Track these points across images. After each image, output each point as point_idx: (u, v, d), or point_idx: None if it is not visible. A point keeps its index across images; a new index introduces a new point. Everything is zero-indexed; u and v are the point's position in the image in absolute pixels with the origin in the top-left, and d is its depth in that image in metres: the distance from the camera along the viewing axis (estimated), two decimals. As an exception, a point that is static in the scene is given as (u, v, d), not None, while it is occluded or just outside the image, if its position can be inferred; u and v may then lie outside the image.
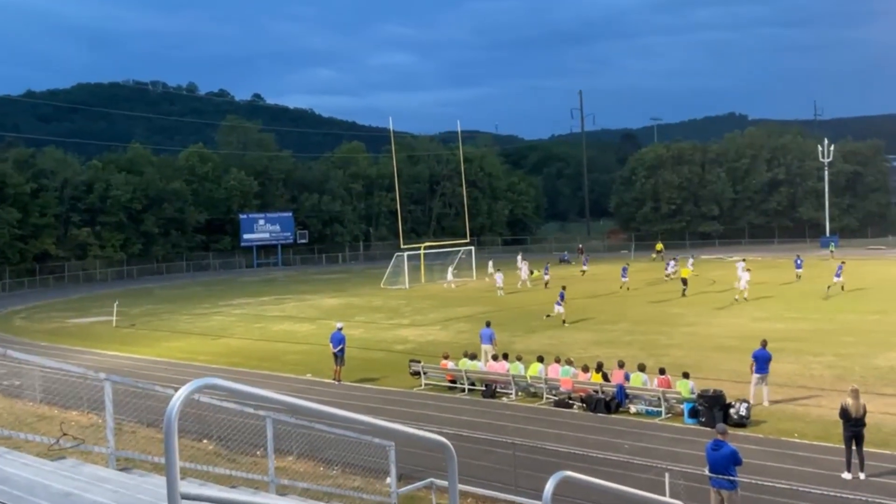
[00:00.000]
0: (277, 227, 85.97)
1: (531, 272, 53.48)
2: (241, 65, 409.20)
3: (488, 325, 26.94)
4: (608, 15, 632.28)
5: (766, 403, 19.48)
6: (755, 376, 19.77)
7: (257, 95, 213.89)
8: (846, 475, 14.46)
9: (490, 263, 59.10)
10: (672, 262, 53.10)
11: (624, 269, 49.09)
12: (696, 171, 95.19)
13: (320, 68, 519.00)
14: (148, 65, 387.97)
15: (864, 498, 13.22)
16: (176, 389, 3.06)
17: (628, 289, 46.35)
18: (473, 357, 24.06)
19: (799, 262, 49.18)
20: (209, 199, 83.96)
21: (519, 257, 59.47)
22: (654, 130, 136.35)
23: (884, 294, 39.98)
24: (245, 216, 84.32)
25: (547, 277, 50.66)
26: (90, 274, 73.40)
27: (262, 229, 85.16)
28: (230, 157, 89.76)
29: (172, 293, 58.79)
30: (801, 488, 13.49)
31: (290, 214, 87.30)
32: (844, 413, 14.70)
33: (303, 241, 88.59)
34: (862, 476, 14.39)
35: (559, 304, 35.27)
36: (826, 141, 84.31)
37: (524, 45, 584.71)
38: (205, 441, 15.73)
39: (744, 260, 47.81)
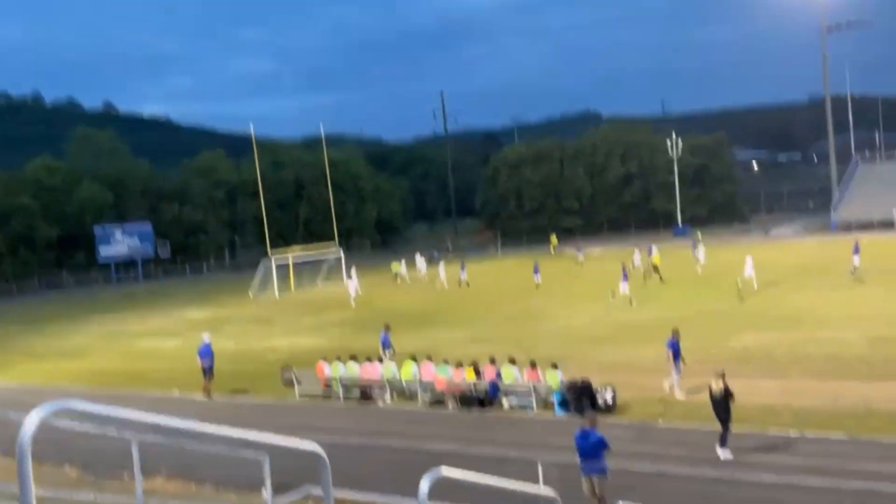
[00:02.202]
0: (136, 240, 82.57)
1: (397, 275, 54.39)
2: (88, 71, 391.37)
3: (387, 329, 26.67)
4: (463, 17, 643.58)
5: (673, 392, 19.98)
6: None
7: (109, 103, 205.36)
8: (719, 451, 15.11)
9: (402, 263, 58.62)
10: (636, 253, 50.99)
11: (535, 267, 47.05)
12: (556, 169, 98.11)
13: (175, 75, 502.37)
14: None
15: (726, 476, 14.02)
16: (30, 415, 2.90)
17: (537, 286, 44.84)
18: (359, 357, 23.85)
19: (652, 250, 51.47)
20: (61, 214, 79.54)
21: (417, 255, 59.83)
22: (515, 131, 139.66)
23: (733, 279, 42.22)
24: (101, 229, 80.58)
25: (464, 276, 50.10)
26: (-70, 298, 68.39)
27: (120, 242, 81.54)
28: (82, 168, 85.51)
29: (25, 314, 55.49)
30: (666, 469, 14.15)
31: (150, 225, 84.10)
32: (710, 394, 15.48)
33: (164, 252, 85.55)
34: (725, 453, 15.11)
35: (624, 283, 36.46)
36: (674, 135, 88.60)
37: (382, 48, 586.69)
38: (66, 467, 14.98)
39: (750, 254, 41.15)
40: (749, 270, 37.65)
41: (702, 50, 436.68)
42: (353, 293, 45.73)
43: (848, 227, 70.62)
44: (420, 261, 58.99)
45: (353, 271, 49.56)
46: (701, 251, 48.17)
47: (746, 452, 15.34)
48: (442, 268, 52.36)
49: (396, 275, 57.02)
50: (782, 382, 20.32)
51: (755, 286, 36.81)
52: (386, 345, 25.69)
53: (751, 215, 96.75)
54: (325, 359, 24.02)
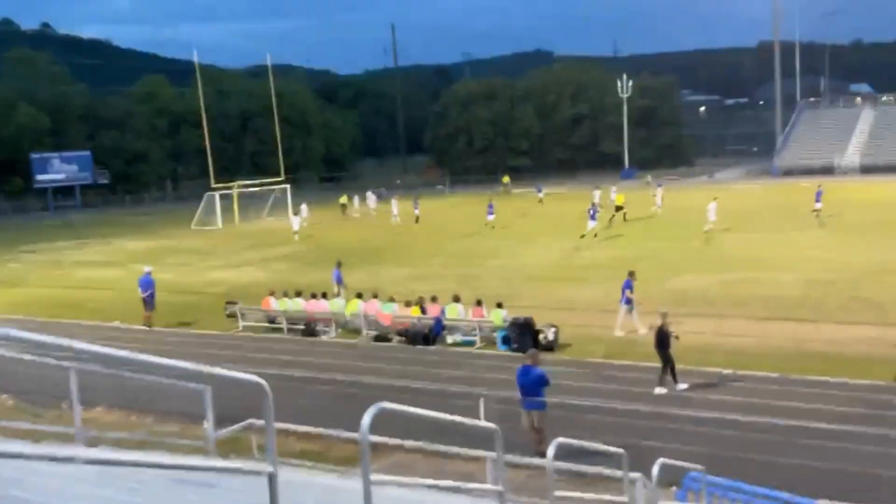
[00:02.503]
0: (75, 167, 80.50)
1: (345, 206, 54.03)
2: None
3: (339, 265, 26.50)
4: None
5: (640, 331, 19.77)
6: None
7: (46, 24, 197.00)
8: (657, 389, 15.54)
9: (353, 199, 59.02)
10: (597, 193, 49.44)
11: (490, 206, 45.26)
12: (506, 107, 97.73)
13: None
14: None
15: (663, 412, 14.41)
16: (-41, 342, 2.81)
17: (491, 226, 43.54)
18: (299, 294, 23.75)
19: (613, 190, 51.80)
20: (-4, 138, 77.01)
21: (368, 193, 59.45)
22: (466, 67, 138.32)
23: (680, 221, 42.96)
24: (37, 156, 78.19)
25: (417, 212, 49.64)
26: None
27: (58, 169, 79.41)
28: (18, 91, 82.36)
29: (-42, 241, 53.96)
30: (604, 404, 14.50)
31: (89, 153, 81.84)
32: (654, 334, 15.92)
33: (103, 181, 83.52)
34: (663, 390, 15.54)
35: (593, 220, 36.93)
36: (625, 77, 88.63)
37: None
38: (3, 396, 14.81)
39: (715, 199, 40.09)
40: (712, 216, 37.47)
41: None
42: (296, 227, 45.28)
43: (789, 173, 72.06)
44: (371, 198, 58.55)
45: (304, 208, 49.00)
46: (658, 194, 48.72)
47: (682, 389, 15.80)
48: (395, 203, 51.88)
49: (344, 205, 57.00)
50: (717, 323, 20.85)
51: (706, 227, 37.08)
52: (339, 281, 25.62)
53: (696, 159, 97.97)
54: (272, 294, 23.85)
